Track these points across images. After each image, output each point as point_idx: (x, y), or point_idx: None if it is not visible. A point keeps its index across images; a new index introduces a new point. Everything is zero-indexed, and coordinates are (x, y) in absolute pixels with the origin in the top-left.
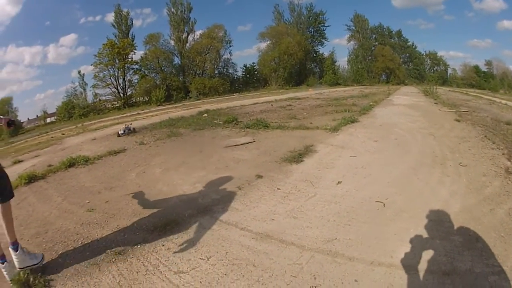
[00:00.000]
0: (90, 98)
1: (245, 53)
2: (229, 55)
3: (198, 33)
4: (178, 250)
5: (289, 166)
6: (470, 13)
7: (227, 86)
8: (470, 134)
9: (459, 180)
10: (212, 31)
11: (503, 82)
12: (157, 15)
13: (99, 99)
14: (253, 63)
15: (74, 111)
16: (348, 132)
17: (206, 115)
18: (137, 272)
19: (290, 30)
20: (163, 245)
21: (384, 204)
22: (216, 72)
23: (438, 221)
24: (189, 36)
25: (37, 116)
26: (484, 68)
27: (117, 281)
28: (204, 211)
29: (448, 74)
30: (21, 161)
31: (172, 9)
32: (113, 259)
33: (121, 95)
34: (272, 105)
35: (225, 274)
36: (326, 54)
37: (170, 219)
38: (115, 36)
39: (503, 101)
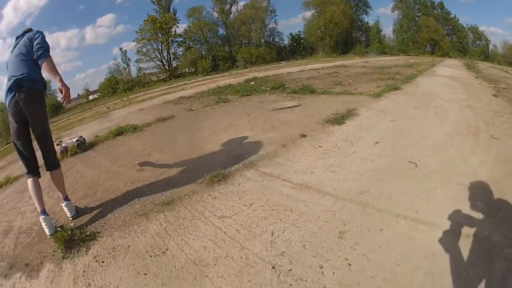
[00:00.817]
0: (134, 72)
1: (291, 22)
2: (274, 24)
3: (241, 4)
4: (223, 198)
5: (332, 127)
6: None
7: (274, 54)
8: (505, 110)
9: (489, 151)
10: (256, 1)
11: None
12: None
13: (144, 73)
14: (299, 32)
15: (118, 86)
16: (390, 99)
17: (253, 82)
18: (184, 219)
19: None
20: (209, 195)
21: (416, 165)
22: (262, 41)
23: (464, 185)
24: (232, 7)
25: (78, 94)
26: None
27: (164, 227)
28: (250, 165)
29: (490, 50)
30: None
31: None
32: (161, 209)
33: (166, 67)
34: (318, 72)
35: (264, 218)
36: (371, 23)
37: (217, 173)
38: (156, 12)
39: None
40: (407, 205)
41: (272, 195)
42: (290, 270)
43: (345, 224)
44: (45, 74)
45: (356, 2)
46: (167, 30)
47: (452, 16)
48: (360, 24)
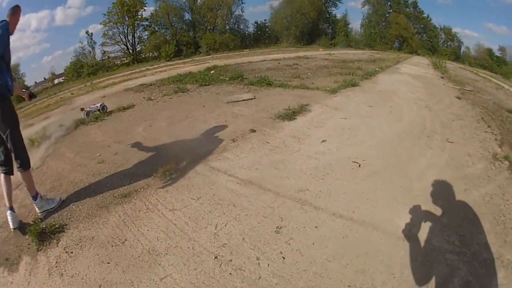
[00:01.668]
0: (99, 56)
1: (258, 9)
2: (240, 11)
3: None
4: (174, 191)
5: (282, 123)
6: None
7: (237, 42)
8: (467, 113)
9: (441, 155)
10: None
11: None
12: None
13: (108, 57)
14: (265, 20)
15: (82, 70)
16: (345, 95)
17: (213, 71)
18: (139, 211)
19: None
20: (162, 188)
21: (359, 165)
22: (227, 28)
23: (407, 188)
24: None
25: (44, 78)
26: (497, 53)
27: (122, 219)
28: (200, 159)
29: (462, 52)
30: (31, 125)
31: None
32: (120, 202)
33: (130, 51)
34: (279, 63)
35: (210, 212)
36: (339, 15)
37: (170, 166)
38: None
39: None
40: (344, 205)
41: (218, 190)
42: (231, 260)
43: (282, 220)
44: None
45: None
46: (134, 14)
47: (425, 15)
48: (328, 16)
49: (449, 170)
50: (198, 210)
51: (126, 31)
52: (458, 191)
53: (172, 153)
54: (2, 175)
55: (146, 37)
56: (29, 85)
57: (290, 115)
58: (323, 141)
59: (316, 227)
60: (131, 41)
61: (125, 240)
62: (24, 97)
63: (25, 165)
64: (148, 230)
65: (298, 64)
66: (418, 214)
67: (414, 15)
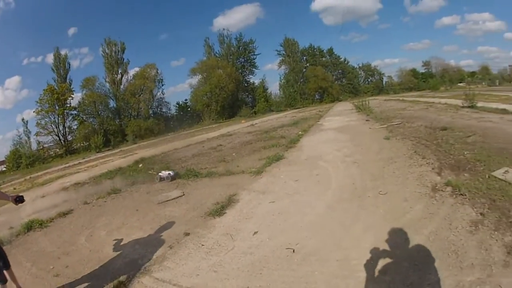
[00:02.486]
0: (34, 145)
1: (179, 88)
2: (162, 94)
3: (131, 73)
4: None
5: (213, 220)
6: (406, 18)
7: (162, 126)
8: (398, 152)
9: (375, 212)
10: (145, 70)
11: (444, 79)
12: (94, 55)
13: (43, 147)
14: (186, 99)
15: (21, 161)
16: (271, 174)
17: (141, 165)
18: None
19: (221, 63)
20: None
21: (293, 250)
22: (151, 112)
23: (344, 260)
24: (123, 78)
25: None
26: (422, 69)
27: None
28: (144, 271)
29: (384, 82)
30: None
31: (106, 50)
32: None
33: (62, 142)
34: (203, 146)
35: None
36: (257, 82)
37: (118, 281)
38: (55, 81)
39: (443, 100)
40: None
41: None
42: None
43: None
44: None
45: (242, 63)
46: (63, 102)
47: (342, 59)
48: (246, 85)
49: (388, 226)
50: None
51: (57, 121)
52: (398, 243)
53: (117, 266)
54: None
55: (75, 126)
56: None
57: (219, 210)
58: (255, 233)
59: None
60: (62, 131)
61: None
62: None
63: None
64: None
65: (222, 145)
66: (359, 282)
67: (331, 63)
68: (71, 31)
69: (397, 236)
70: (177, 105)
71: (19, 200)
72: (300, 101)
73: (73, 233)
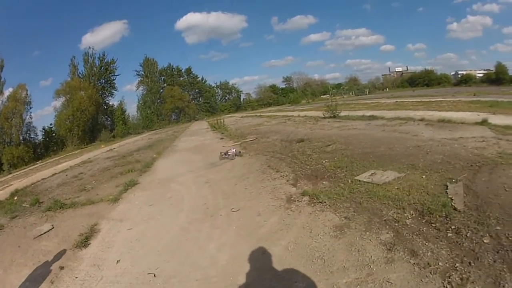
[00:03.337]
0: None
1: (45, 111)
2: (30, 118)
3: (6, 94)
4: None
5: (81, 252)
6: (270, 36)
7: (31, 153)
8: (251, 168)
9: (228, 230)
10: (17, 92)
11: (306, 93)
12: None
13: None
14: (51, 124)
15: None
16: (127, 200)
17: (16, 197)
18: None
19: (83, 84)
20: None
21: (154, 275)
22: (21, 138)
23: (204, 279)
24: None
25: None
26: (282, 85)
27: None
28: None
29: (242, 99)
30: None
31: None
32: None
33: None
34: (66, 175)
35: None
36: (116, 104)
37: None
38: None
39: (302, 113)
40: None
41: None
42: None
43: None
44: None
45: (103, 84)
46: None
47: (199, 78)
48: (106, 107)
49: (241, 242)
50: None
51: None
52: (257, 256)
53: None
54: None
55: None
56: None
57: (84, 241)
58: (118, 261)
59: None
60: None
61: None
62: None
63: None
64: None
65: (83, 173)
66: None
67: (189, 82)
68: None
69: (254, 250)
70: (43, 130)
71: None
72: (157, 122)
73: None
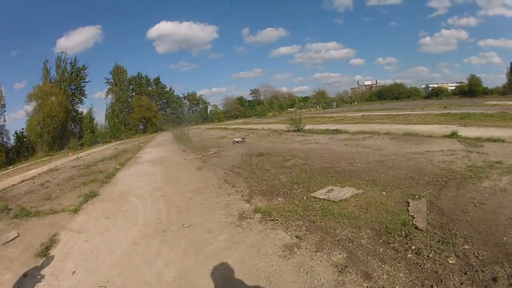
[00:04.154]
0: None
1: (18, 114)
2: (3, 121)
3: None
4: None
5: (41, 261)
6: (240, 48)
7: (3, 158)
8: (207, 182)
9: (178, 246)
10: None
11: (273, 105)
12: None
13: None
14: (23, 129)
15: None
16: (86, 211)
17: None
18: None
19: (54, 89)
20: None
21: None
22: None
23: None
24: None
25: None
26: (250, 97)
27: None
28: None
29: (209, 111)
30: None
31: None
32: None
33: None
34: (34, 182)
35: None
36: (85, 111)
37: None
38: None
39: (267, 126)
40: None
41: None
42: None
43: None
44: None
45: (73, 90)
46: None
47: (167, 89)
48: (75, 115)
49: (188, 259)
50: None
51: None
52: (202, 274)
53: None
54: None
55: None
56: None
57: (45, 251)
58: (73, 272)
59: None
60: None
61: None
62: None
63: None
64: None
65: (49, 181)
66: None
67: (157, 92)
68: None
69: (200, 268)
70: (15, 134)
71: None
72: (124, 131)
73: None
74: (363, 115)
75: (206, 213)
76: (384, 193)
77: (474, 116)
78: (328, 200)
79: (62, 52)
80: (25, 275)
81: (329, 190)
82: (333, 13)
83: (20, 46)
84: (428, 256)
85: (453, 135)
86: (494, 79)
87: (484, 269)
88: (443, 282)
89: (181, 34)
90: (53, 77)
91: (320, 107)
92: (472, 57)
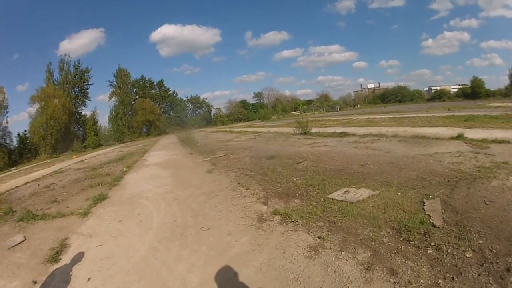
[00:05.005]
0: None
1: (21, 116)
2: (6, 123)
3: None
4: None
5: (52, 267)
6: (243, 51)
7: (6, 159)
8: (220, 185)
9: (198, 250)
10: None
11: (276, 108)
12: None
13: None
14: (25, 130)
15: None
16: (97, 215)
17: None
18: None
19: (58, 92)
20: None
21: None
22: None
23: None
24: None
25: None
26: (253, 100)
27: None
28: None
29: (212, 114)
30: None
31: None
32: None
33: None
34: (39, 184)
35: None
36: (89, 114)
37: None
38: None
39: (272, 129)
40: None
41: None
42: None
43: None
44: None
45: (76, 93)
46: None
47: (171, 92)
48: (78, 117)
49: (212, 263)
50: None
51: None
52: (228, 278)
53: None
54: None
55: None
56: None
57: (55, 256)
58: (89, 279)
59: None
60: None
61: None
62: None
63: None
64: None
65: (54, 183)
66: None
67: (160, 95)
68: None
69: (225, 272)
70: (18, 137)
71: None
72: (128, 134)
73: None
74: (368, 118)
75: (223, 216)
76: (399, 193)
77: (479, 118)
78: (345, 201)
79: (66, 55)
80: (34, 281)
81: (345, 191)
82: (335, 16)
83: (23, 48)
84: (447, 251)
85: (459, 137)
86: (496, 81)
87: (498, 261)
88: (463, 274)
89: (184, 37)
90: (56, 80)
91: (323, 110)
92: (474, 59)
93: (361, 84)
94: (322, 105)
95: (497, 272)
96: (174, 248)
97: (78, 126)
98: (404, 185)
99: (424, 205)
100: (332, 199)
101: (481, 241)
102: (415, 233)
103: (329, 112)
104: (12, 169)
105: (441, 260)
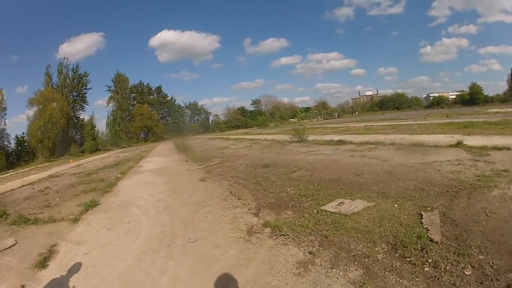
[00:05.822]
0: None
1: (20, 119)
2: (4, 124)
3: None
4: None
5: (40, 273)
6: (241, 58)
7: (3, 161)
8: (212, 194)
9: (184, 262)
10: None
11: (274, 116)
12: None
13: None
14: (23, 133)
15: None
16: (87, 222)
17: None
18: None
19: (56, 95)
20: None
21: None
22: None
23: None
24: None
25: None
26: (251, 108)
27: None
28: None
29: (210, 121)
30: None
31: None
32: None
33: None
34: (33, 188)
35: None
36: (86, 118)
37: None
38: None
39: (270, 137)
40: None
41: None
42: None
43: None
44: None
45: (74, 97)
46: None
47: (169, 98)
48: (76, 121)
49: (196, 276)
50: None
51: None
52: None
53: None
54: None
55: None
56: None
57: (43, 262)
58: (73, 287)
59: None
60: None
61: None
62: None
63: None
64: None
65: (49, 188)
66: None
67: (158, 101)
68: None
69: (209, 287)
70: (16, 138)
71: None
72: (125, 140)
73: None
74: (366, 125)
75: (212, 227)
76: (396, 205)
77: (478, 124)
78: (339, 213)
79: (64, 58)
80: (22, 286)
81: (340, 203)
82: (334, 23)
83: (23, 50)
84: (445, 269)
85: (458, 144)
86: (494, 87)
87: (499, 278)
88: None
89: (183, 43)
90: (54, 83)
91: (321, 118)
92: (473, 65)
93: (359, 92)
94: (320, 112)
95: None
96: (160, 259)
97: (76, 131)
98: (401, 196)
99: (422, 218)
100: (326, 211)
101: (481, 257)
102: (412, 249)
103: (327, 119)
104: (9, 171)
105: (438, 278)
